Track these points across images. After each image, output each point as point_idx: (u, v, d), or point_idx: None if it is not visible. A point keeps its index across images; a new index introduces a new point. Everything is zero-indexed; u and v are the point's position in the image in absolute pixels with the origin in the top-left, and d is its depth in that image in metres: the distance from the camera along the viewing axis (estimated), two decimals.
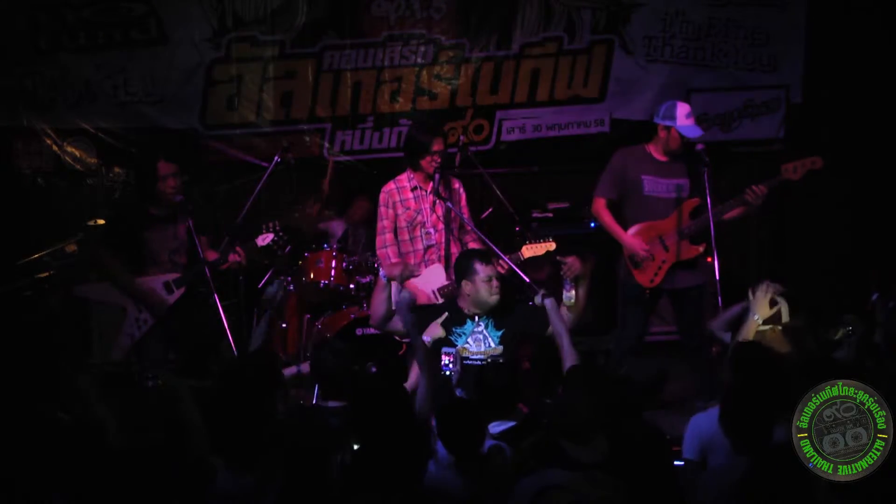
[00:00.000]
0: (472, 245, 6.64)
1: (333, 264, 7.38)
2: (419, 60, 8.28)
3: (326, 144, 8.28)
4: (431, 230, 6.61)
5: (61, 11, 7.79)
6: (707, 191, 6.38)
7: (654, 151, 6.70)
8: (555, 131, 8.56)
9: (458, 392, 5.58)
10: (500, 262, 6.26)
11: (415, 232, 6.61)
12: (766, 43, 8.61)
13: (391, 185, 6.66)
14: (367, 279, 7.31)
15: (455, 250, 6.63)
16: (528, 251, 6.64)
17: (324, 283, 7.39)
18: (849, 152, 8.22)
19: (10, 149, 7.91)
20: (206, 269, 6.31)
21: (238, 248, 6.44)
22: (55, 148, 7.94)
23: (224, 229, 6.93)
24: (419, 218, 6.61)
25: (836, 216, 8.60)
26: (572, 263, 5.75)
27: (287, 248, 6.70)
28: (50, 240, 7.42)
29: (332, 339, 6.90)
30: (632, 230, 6.70)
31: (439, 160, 6.54)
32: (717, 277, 6.19)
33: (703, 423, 5.09)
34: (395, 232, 6.65)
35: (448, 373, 5.65)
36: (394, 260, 6.55)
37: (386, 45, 8.24)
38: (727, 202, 6.56)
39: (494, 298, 5.80)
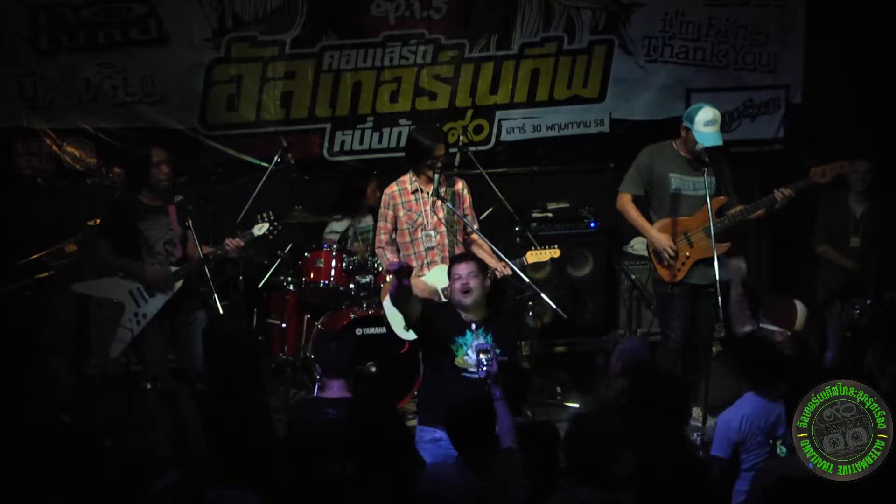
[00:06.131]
0: (474, 248, 6.58)
1: (333, 264, 7.38)
2: (419, 60, 8.27)
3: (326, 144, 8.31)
4: (431, 232, 6.53)
5: (61, 11, 7.77)
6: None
7: (681, 148, 6.69)
8: (554, 131, 8.55)
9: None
10: (504, 265, 6.29)
11: (415, 234, 6.54)
12: (766, 43, 8.62)
13: (393, 187, 6.60)
14: (367, 279, 7.31)
15: (458, 252, 6.55)
16: (533, 257, 6.62)
17: (324, 283, 7.39)
18: (848, 152, 8.19)
19: (10, 149, 7.90)
20: (206, 266, 6.30)
21: (231, 240, 6.43)
22: (55, 148, 7.93)
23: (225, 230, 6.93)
24: (420, 220, 6.54)
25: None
26: None
27: (279, 235, 6.65)
28: (50, 240, 7.41)
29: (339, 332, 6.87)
30: (656, 225, 6.70)
31: (441, 163, 6.50)
32: (717, 277, 6.17)
33: (732, 421, 5.09)
34: (395, 232, 6.61)
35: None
36: (391, 259, 6.54)
37: (386, 45, 8.22)
38: (754, 202, 6.57)
39: (463, 298, 5.67)
